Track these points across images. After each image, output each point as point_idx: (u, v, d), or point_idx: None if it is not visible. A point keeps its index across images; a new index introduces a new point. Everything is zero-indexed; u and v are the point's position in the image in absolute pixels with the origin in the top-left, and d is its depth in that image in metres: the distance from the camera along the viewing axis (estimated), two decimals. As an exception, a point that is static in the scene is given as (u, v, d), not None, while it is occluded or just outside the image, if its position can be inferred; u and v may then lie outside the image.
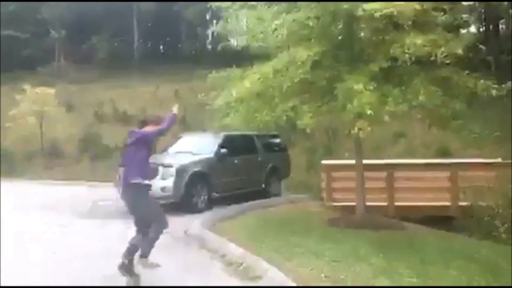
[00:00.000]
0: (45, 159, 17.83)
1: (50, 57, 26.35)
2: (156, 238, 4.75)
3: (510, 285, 4.25)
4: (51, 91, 18.03)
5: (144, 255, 4.70)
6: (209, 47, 29.57)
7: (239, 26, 7.81)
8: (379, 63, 6.46)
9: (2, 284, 4.16)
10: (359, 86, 5.94)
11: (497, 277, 5.01)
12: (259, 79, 6.64)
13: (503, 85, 6.69)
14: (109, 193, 10.95)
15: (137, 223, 4.85)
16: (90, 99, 21.71)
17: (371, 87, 5.98)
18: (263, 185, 11.35)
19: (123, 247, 6.45)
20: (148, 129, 4.84)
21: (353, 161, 7.61)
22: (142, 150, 4.72)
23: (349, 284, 4.38)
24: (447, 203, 8.87)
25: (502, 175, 8.14)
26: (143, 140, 4.77)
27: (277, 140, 12.63)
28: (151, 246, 4.72)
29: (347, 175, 8.00)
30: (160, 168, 9.25)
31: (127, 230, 7.66)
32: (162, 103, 20.58)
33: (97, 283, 4.78)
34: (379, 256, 5.34)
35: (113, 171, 11.49)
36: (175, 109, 5.00)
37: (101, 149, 17.56)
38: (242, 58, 7.70)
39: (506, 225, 7.22)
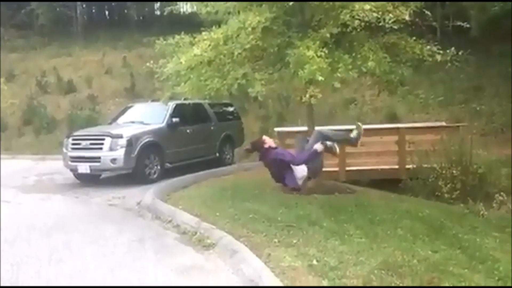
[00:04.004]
0: (-15, 132, 16.87)
1: (-15, 24, 24.55)
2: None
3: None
4: (-12, 60, 16.96)
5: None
6: (158, 12, 28.53)
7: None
8: (329, 29, 6.44)
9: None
10: (310, 53, 5.92)
11: (440, 234, 5.29)
12: (209, 46, 6.48)
13: (448, 51, 6.91)
14: (54, 166, 10.60)
15: None
16: (32, 68, 20.50)
17: (322, 54, 5.98)
18: (217, 154, 11.32)
19: (70, 220, 6.32)
20: None
21: (305, 128, 7.68)
22: None
23: (301, 247, 4.48)
24: (395, 166, 9.18)
25: (446, 138, 8.46)
26: None
27: (230, 109, 12.55)
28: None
29: (299, 141, 8.06)
30: (109, 139, 8.99)
31: (73, 203, 7.55)
32: (109, 72, 19.88)
33: (45, 259, 4.64)
34: (330, 219, 5.49)
35: (59, 143, 11.16)
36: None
37: (46, 120, 16.80)
38: (192, 24, 7.46)
39: (448, 185, 7.57)
